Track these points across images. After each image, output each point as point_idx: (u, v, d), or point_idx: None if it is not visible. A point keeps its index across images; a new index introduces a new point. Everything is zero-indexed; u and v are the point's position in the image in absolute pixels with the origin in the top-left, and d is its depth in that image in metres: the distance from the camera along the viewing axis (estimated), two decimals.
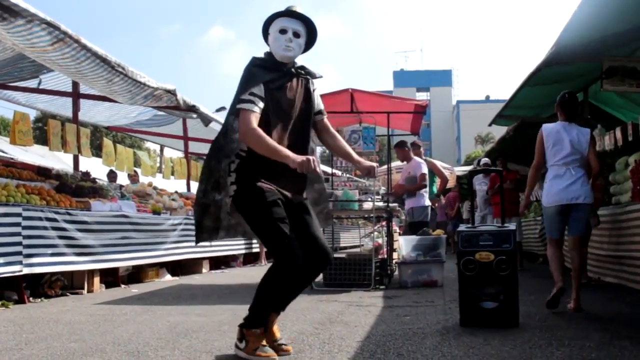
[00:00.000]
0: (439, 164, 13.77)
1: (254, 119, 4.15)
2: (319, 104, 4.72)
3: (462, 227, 6.07)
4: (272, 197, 4.27)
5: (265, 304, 4.35)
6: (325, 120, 4.81)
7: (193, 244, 12.50)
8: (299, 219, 4.41)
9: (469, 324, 5.61)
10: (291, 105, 4.43)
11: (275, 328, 4.51)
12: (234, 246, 15.29)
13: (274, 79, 4.34)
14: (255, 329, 4.32)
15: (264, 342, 4.34)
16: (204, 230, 4.56)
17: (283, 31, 4.33)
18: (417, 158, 10.96)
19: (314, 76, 4.62)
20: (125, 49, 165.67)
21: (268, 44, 4.49)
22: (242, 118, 4.17)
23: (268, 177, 4.29)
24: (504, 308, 5.58)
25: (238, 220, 4.56)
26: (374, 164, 4.83)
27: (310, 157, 4.10)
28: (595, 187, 8.79)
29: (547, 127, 7.19)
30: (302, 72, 4.54)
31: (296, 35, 4.36)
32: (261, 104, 4.21)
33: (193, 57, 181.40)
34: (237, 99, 4.25)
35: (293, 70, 4.49)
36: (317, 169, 4.20)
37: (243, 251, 15.95)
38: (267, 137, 4.14)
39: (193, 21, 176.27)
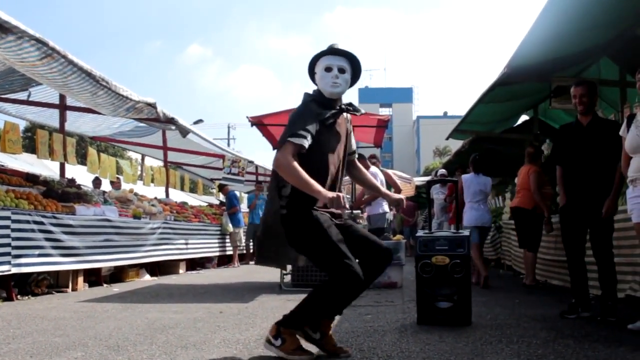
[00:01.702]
0: (392, 173, 13.83)
1: (294, 152, 4.03)
2: (353, 144, 4.66)
3: (420, 233, 6.11)
4: (327, 222, 4.15)
5: (315, 312, 4.21)
6: (356, 157, 4.78)
7: (171, 246, 12.55)
8: (348, 231, 4.30)
9: (426, 322, 5.64)
10: (339, 141, 4.34)
11: (331, 333, 4.34)
12: (209, 249, 15.31)
13: (328, 117, 4.22)
14: (295, 330, 4.20)
15: (301, 343, 4.21)
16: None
17: (328, 69, 4.22)
18: (373, 169, 10.93)
19: (359, 111, 4.50)
20: (109, 64, 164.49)
21: (315, 84, 4.37)
22: (284, 148, 4.04)
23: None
24: (457, 308, 5.62)
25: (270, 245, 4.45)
26: (402, 197, 4.77)
27: (340, 194, 3.95)
28: (544, 196, 9.00)
29: (464, 177, 10.13)
30: (350, 108, 4.42)
31: (341, 71, 4.24)
32: (310, 141, 4.08)
33: (173, 73, 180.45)
34: (291, 132, 4.08)
35: (343, 106, 4.37)
36: (346, 206, 4.07)
37: (217, 253, 15.95)
38: (300, 169, 3.98)
39: (173, 39, 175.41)
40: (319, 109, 4.21)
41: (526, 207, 9.25)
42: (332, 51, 4.30)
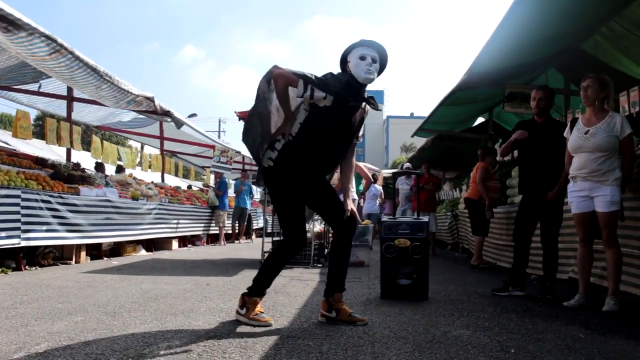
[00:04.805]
0: (363, 166, 13.94)
1: (292, 82, 4.04)
2: (360, 132, 4.52)
3: (385, 218, 6.14)
4: (297, 189, 4.21)
5: (268, 277, 4.30)
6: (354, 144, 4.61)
7: (165, 225, 12.51)
8: (328, 192, 4.31)
9: (388, 297, 5.68)
10: (352, 126, 4.28)
11: (344, 306, 4.36)
12: (198, 228, 15.29)
13: (353, 101, 4.17)
14: (256, 298, 4.26)
15: (262, 310, 4.27)
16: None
17: (363, 58, 4.13)
18: None
19: (377, 107, 4.41)
20: (111, 63, 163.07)
21: (346, 72, 4.26)
22: (289, 70, 4.08)
23: (306, 164, 4.19)
24: (416, 285, 5.66)
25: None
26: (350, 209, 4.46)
27: (354, 212, 4.24)
28: (491, 189, 9.17)
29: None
30: (372, 101, 4.31)
31: (374, 60, 4.17)
32: (307, 93, 4.05)
33: (169, 71, 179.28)
34: (306, 75, 4.07)
35: (366, 97, 4.29)
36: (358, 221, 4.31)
37: (206, 232, 15.95)
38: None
39: (170, 41, 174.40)
40: (346, 90, 4.15)
41: (473, 197, 9.51)
42: (365, 43, 4.24)
